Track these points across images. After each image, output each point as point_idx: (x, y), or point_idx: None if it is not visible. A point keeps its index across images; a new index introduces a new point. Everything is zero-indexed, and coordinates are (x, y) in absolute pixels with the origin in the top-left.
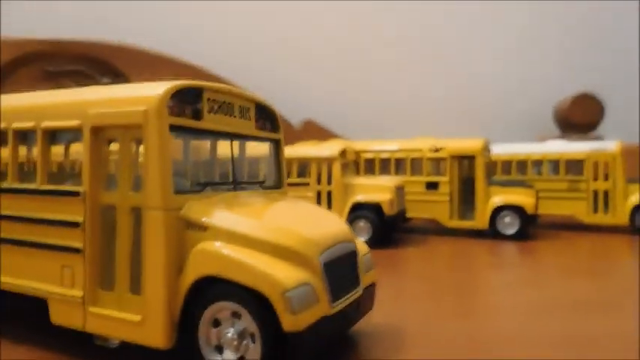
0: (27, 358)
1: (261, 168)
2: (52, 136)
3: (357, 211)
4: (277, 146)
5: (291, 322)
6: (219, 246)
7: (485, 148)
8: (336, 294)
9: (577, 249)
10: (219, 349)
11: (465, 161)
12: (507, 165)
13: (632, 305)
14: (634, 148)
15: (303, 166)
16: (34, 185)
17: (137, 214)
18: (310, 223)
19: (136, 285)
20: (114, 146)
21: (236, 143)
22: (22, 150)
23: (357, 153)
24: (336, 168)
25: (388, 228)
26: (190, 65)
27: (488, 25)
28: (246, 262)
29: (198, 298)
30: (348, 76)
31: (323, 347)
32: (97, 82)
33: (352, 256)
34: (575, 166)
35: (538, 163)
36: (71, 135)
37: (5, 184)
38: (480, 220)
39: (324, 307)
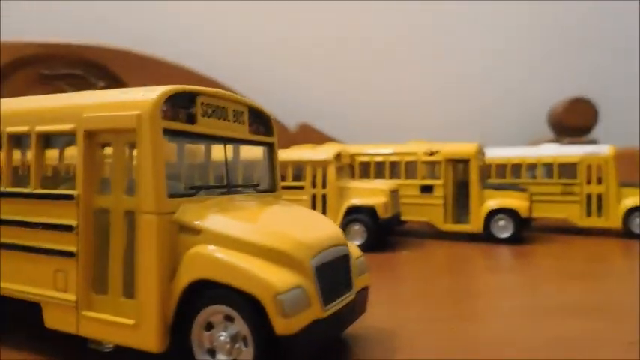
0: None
1: (255, 172)
2: (47, 140)
3: (352, 215)
4: (271, 150)
5: (283, 325)
6: (212, 249)
7: (480, 152)
8: (328, 297)
9: (571, 252)
10: (212, 353)
11: (459, 165)
12: (502, 169)
13: (626, 308)
14: (628, 151)
15: (299, 169)
16: (29, 189)
17: (131, 218)
18: (303, 226)
19: (129, 289)
20: (108, 150)
21: (230, 147)
22: (17, 154)
23: (352, 156)
24: (331, 171)
25: (383, 231)
26: (188, 69)
27: (483, 29)
28: (239, 265)
29: (191, 302)
30: (344, 79)
31: (315, 350)
32: (93, 86)
33: (345, 259)
34: (568, 170)
35: (532, 167)
36: (66, 139)
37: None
38: (475, 223)
39: (316, 311)
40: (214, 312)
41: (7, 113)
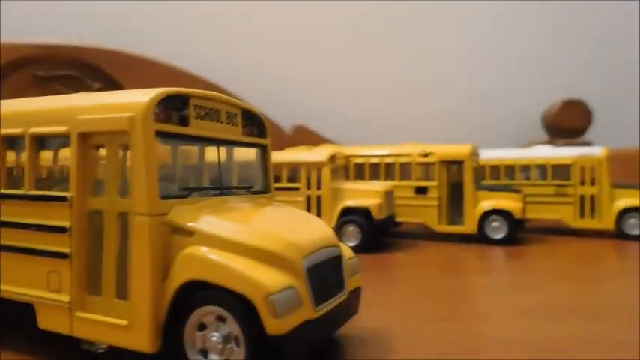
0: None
1: (249, 173)
2: (41, 142)
3: (347, 216)
4: (264, 152)
5: (274, 325)
6: (204, 251)
7: (474, 154)
8: (319, 298)
9: (564, 253)
10: (204, 353)
11: (453, 166)
12: (496, 170)
13: (617, 308)
14: (621, 153)
15: (293, 171)
16: (22, 191)
17: (124, 219)
18: (295, 227)
19: (122, 290)
20: (101, 152)
21: (223, 149)
22: (12, 156)
23: (347, 158)
24: (326, 173)
25: (377, 232)
26: (183, 70)
27: (478, 30)
28: (231, 266)
29: (184, 302)
30: (339, 81)
31: (307, 350)
32: (88, 88)
33: (337, 260)
34: (562, 171)
35: (526, 169)
36: (60, 141)
37: None
38: (469, 224)
39: (307, 311)
40: (207, 312)
41: (1, 115)
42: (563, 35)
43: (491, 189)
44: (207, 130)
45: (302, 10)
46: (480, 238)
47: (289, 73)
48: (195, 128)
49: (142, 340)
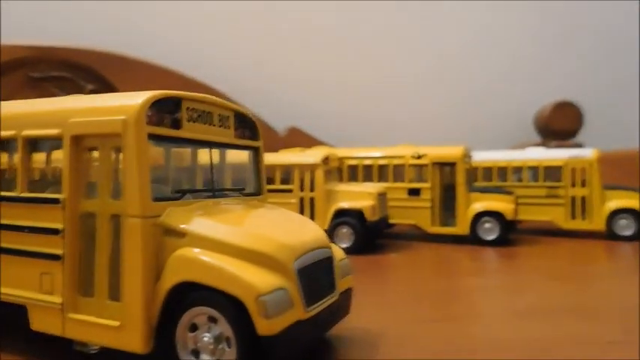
0: None
1: (241, 175)
2: (34, 144)
3: (340, 218)
4: (257, 154)
5: (265, 326)
6: (196, 252)
7: (466, 155)
8: (311, 299)
9: (556, 254)
10: (196, 353)
11: (446, 168)
12: (488, 172)
13: (608, 308)
14: (612, 155)
15: (287, 172)
16: (15, 193)
17: (116, 221)
18: (286, 229)
19: (115, 291)
20: (94, 154)
21: (215, 151)
22: (4, 157)
23: (340, 160)
24: (319, 175)
25: (370, 234)
26: (177, 72)
27: (470, 33)
28: (223, 267)
29: (176, 304)
30: (334, 83)
31: (298, 351)
32: (82, 89)
33: (328, 261)
34: (553, 172)
35: (518, 170)
36: (52, 143)
37: None
38: (461, 226)
39: (298, 312)
40: (198, 313)
41: None
42: (556, 37)
43: (484, 190)
44: (200, 133)
45: (302, 10)
46: (473, 239)
47: (283, 75)
48: (187, 131)
49: (135, 341)
